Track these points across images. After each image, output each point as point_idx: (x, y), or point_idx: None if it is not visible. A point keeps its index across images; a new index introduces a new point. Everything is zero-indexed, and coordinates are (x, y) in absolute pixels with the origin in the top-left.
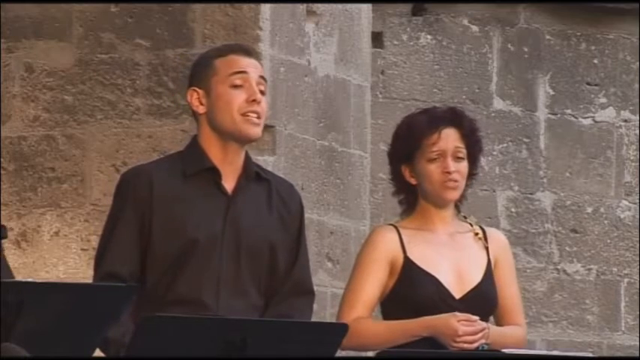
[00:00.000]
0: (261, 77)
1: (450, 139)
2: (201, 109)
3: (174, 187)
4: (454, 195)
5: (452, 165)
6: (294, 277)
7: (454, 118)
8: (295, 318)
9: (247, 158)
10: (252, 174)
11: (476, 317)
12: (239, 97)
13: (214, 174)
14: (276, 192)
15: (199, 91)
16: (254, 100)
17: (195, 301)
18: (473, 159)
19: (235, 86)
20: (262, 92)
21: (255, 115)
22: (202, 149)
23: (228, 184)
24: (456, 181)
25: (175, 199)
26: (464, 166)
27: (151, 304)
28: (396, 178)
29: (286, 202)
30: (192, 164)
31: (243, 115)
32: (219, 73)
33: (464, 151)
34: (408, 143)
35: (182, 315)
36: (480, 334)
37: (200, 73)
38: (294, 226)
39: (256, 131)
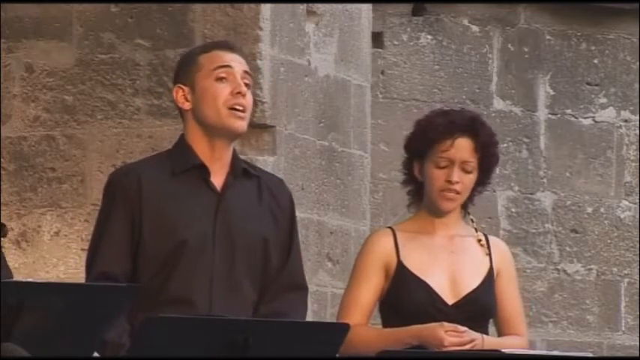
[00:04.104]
0: (246, 72)
1: (462, 149)
2: (187, 106)
3: (163, 185)
4: (450, 206)
5: (456, 175)
6: (288, 273)
7: (472, 127)
8: (290, 315)
9: (235, 155)
10: (240, 170)
11: (464, 328)
12: (224, 91)
13: (203, 171)
14: (266, 187)
15: (184, 87)
16: (239, 93)
17: (188, 300)
18: (485, 170)
19: (220, 79)
20: (247, 85)
21: (240, 108)
22: (190, 146)
23: (217, 181)
24: (457, 192)
25: (165, 197)
26: (469, 178)
27: (144, 303)
28: (407, 169)
29: (277, 197)
30: (181, 162)
31: (229, 108)
32: (203, 69)
33: (473, 164)
34: (421, 142)
35: (184, 315)
36: (467, 346)
37: (184, 70)
38: (285, 221)
39: (241, 125)
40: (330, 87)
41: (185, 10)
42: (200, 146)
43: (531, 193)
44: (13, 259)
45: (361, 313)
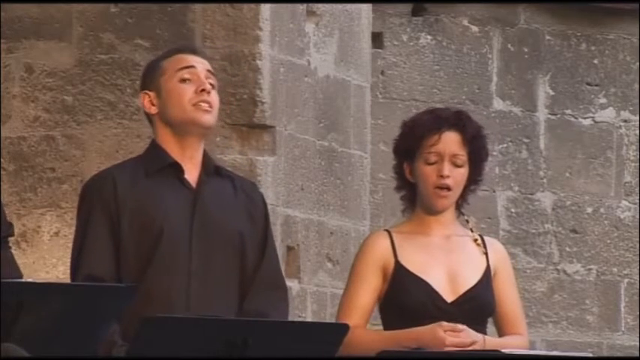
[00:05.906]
0: (209, 72)
1: (450, 142)
2: (154, 110)
3: (139, 185)
4: (444, 204)
5: (447, 169)
6: (266, 271)
7: (458, 121)
8: (270, 313)
9: (206, 154)
10: (212, 168)
11: (462, 327)
12: (189, 90)
13: (176, 169)
14: (240, 187)
15: (150, 93)
16: (203, 90)
17: (165, 294)
18: (475, 165)
19: (184, 80)
20: (212, 85)
21: (206, 105)
22: (161, 147)
23: (190, 178)
24: (448, 188)
25: (141, 196)
26: (460, 173)
27: None
28: (398, 173)
29: (251, 196)
30: (153, 162)
31: (194, 105)
32: (167, 72)
33: (463, 158)
34: (409, 141)
35: (183, 315)
36: (469, 348)
37: (149, 76)
38: (260, 221)
39: (208, 118)
40: (330, 87)
41: (185, 10)
42: (171, 147)
43: (531, 194)
44: None
45: (360, 315)
